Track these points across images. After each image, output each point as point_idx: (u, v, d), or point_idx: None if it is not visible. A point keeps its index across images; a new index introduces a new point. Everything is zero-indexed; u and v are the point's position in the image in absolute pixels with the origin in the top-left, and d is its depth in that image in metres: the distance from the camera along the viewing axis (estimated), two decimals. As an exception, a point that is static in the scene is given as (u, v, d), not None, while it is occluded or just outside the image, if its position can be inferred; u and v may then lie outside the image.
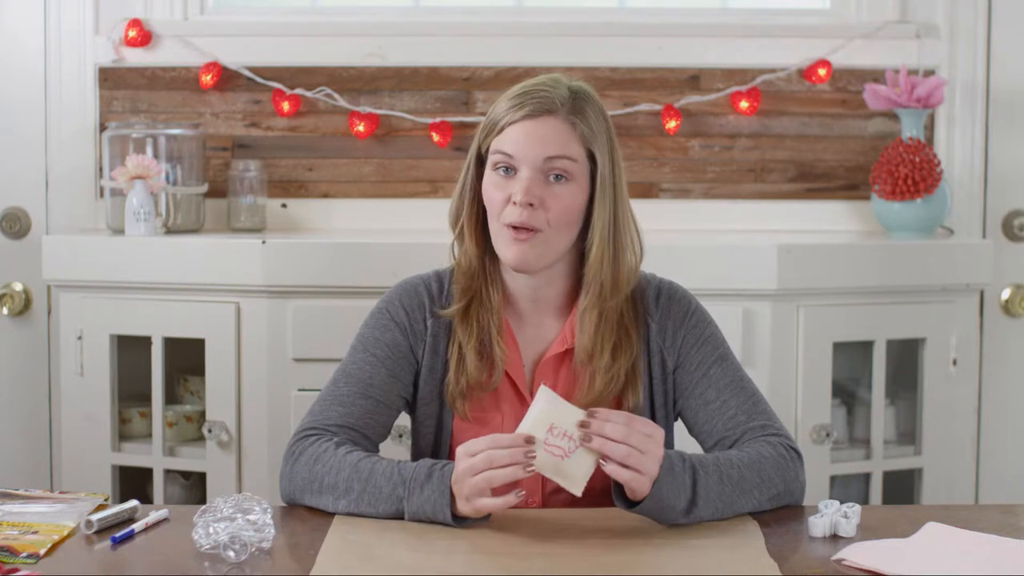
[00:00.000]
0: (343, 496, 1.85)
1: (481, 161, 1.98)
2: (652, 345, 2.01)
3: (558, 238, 1.94)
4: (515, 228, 1.92)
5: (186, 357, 3.04)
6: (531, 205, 1.90)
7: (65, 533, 1.78)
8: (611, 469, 1.76)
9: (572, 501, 1.94)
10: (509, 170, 1.93)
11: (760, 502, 1.88)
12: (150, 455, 2.99)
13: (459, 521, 1.79)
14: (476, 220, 2.00)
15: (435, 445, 2.01)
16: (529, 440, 1.74)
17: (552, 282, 2.00)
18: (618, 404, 1.98)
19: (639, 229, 2.02)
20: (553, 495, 1.97)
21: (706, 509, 1.82)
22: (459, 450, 1.78)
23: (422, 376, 2.01)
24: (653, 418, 2.01)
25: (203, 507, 1.74)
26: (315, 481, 1.89)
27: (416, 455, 2.04)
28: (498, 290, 2.00)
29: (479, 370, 1.96)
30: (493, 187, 1.94)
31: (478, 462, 1.75)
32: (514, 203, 1.91)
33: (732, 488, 1.84)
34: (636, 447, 1.75)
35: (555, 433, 1.75)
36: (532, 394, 1.97)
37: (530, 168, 1.91)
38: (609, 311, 1.97)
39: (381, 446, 2.02)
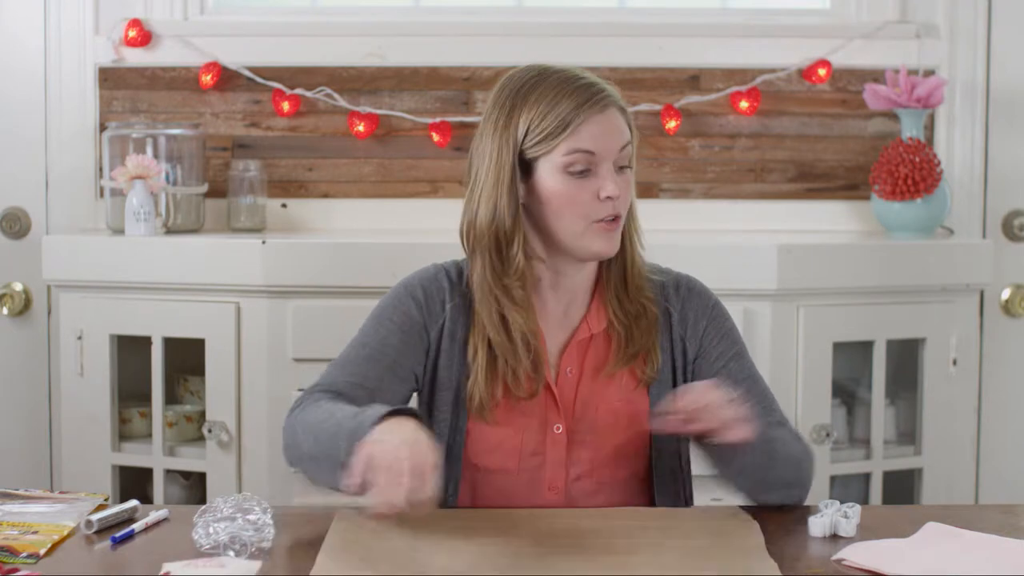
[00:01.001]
0: (314, 439, 1.85)
1: (526, 169, 1.93)
2: (674, 333, 2.02)
3: (623, 220, 1.97)
4: (608, 221, 1.92)
5: (186, 357, 3.04)
6: (619, 197, 1.92)
7: (65, 533, 1.78)
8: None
9: (593, 491, 1.95)
10: (587, 168, 1.91)
11: (786, 479, 1.93)
12: (150, 455, 2.99)
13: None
14: (526, 228, 1.96)
15: (452, 430, 1.99)
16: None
17: (590, 265, 2.00)
18: (644, 363, 1.98)
19: None
20: (576, 482, 1.97)
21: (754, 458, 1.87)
22: (400, 449, 1.70)
23: (441, 361, 1.99)
24: (674, 389, 2.01)
25: (203, 507, 1.74)
26: (298, 425, 1.89)
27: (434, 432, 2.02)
28: (530, 298, 1.98)
29: (530, 380, 1.95)
30: (574, 189, 1.90)
31: (396, 469, 1.67)
32: (608, 198, 1.90)
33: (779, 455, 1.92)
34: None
35: None
36: (558, 383, 1.97)
37: (609, 161, 1.91)
38: (639, 281, 2.00)
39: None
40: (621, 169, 1.93)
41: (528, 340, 1.94)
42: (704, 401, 1.80)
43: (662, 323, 2.01)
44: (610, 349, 1.98)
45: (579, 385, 1.98)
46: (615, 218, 1.92)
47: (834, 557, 1.70)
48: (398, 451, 1.68)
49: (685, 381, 2.02)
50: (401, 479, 1.66)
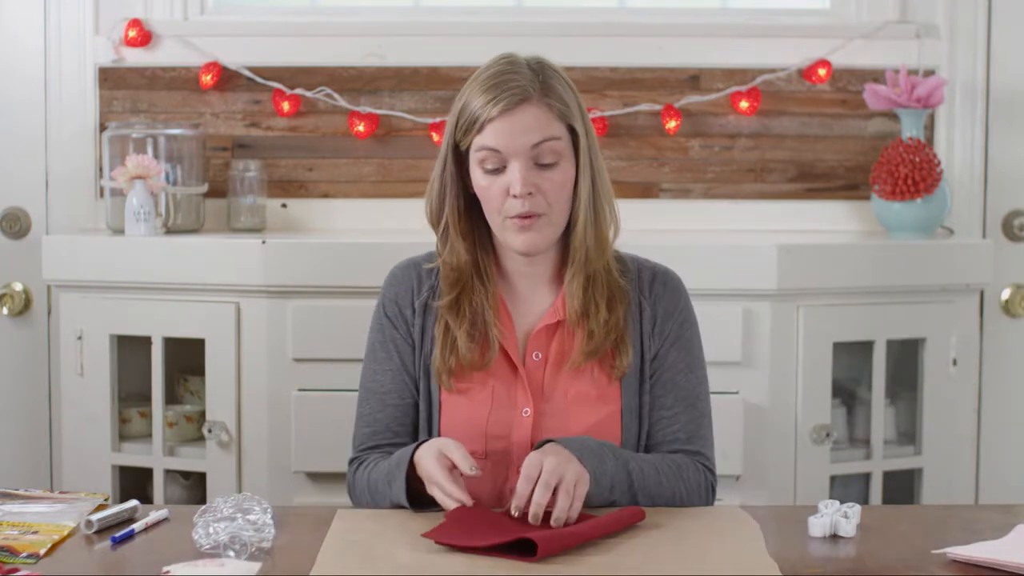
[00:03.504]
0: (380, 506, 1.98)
1: (459, 156, 2.00)
2: (644, 328, 2.04)
3: (560, 216, 1.98)
4: (520, 217, 1.95)
5: (186, 357, 3.04)
6: (530, 194, 1.94)
7: (65, 533, 1.79)
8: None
9: None
10: (499, 165, 1.95)
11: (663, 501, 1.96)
12: (150, 455, 2.99)
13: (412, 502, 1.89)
14: (460, 215, 2.03)
15: (428, 420, 2.05)
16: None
17: (547, 255, 2.03)
18: (613, 359, 2.00)
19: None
20: None
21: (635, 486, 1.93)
22: (436, 450, 1.86)
23: (415, 355, 2.06)
24: (640, 383, 2.04)
25: (203, 507, 1.74)
26: (363, 505, 2.02)
27: (419, 430, 2.08)
28: (491, 274, 2.03)
29: (471, 351, 2.00)
30: (487, 184, 1.97)
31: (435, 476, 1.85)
32: (514, 196, 1.93)
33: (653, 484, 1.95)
34: (563, 488, 1.79)
35: None
36: (526, 364, 2.00)
37: (520, 159, 1.94)
38: (596, 272, 2.01)
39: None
40: (548, 165, 1.95)
41: (465, 312, 2.00)
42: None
43: (633, 317, 2.03)
44: (575, 341, 2.00)
45: (546, 369, 2.01)
46: (531, 216, 1.95)
47: (938, 551, 1.69)
48: (426, 466, 1.85)
49: (649, 376, 2.04)
50: (440, 480, 1.83)
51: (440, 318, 2.02)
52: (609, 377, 2.01)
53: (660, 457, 1.99)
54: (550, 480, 1.77)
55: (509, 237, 1.98)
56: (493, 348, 2.00)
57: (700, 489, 2.01)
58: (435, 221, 2.04)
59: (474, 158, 1.97)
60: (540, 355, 2.01)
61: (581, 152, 1.98)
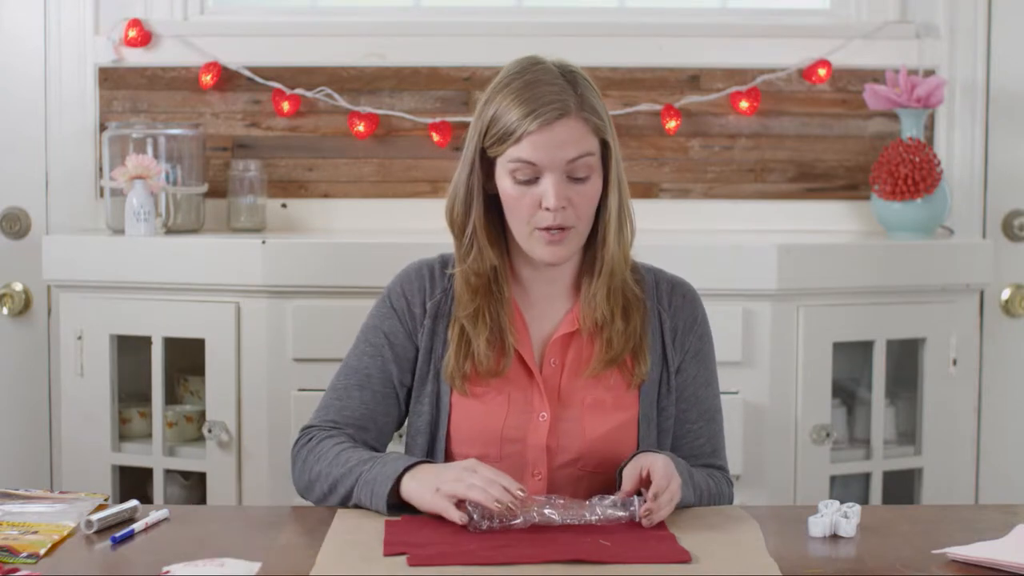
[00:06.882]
0: (332, 489, 1.93)
1: (484, 161, 1.98)
2: (665, 336, 2.04)
3: (586, 228, 1.98)
4: (550, 230, 1.94)
5: (186, 357, 3.04)
6: (562, 207, 1.92)
7: (65, 533, 1.79)
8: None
9: (577, 478, 1.96)
10: (531, 177, 1.93)
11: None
12: (150, 455, 2.99)
13: (389, 508, 1.85)
14: (489, 222, 2.00)
15: (433, 424, 2.02)
16: (524, 500, 1.79)
17: (567, 264, 2.02)
18: (632, 367, 2.00)
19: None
20: (560, 469, 1.99)
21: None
22: (468, 463, 1.83)
23: (420, 358, 2.04)
24: (659, 393, 2.03)
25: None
26: (307, 475, 1.96)
27: (412, 433, 2.06)
28: (508, 281, 2.02)
29: (489, 359, 1.98)
30: (517, 195, 1.94)
31: (477, 480, 1.78)
32: (547, 208, 1.92)
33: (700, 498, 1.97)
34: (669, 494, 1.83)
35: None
36: (543, 369, 2.00)
37: (555, 172, 1.92)
38: (616, 284, 2.00)
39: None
40: (581, 179, 1.93)
41: (486, 320, 1.98)
42: (655, 491, 1.82)
43: (653, 327, 2.02)
44: (593, 349, 2.00)
45: (563, 376, 2.00)
46: (562, 229, 1.94)
47: (938, 551, 1.69)
48: (453, 470, 1.83)
49: (670, 386, 2.04)
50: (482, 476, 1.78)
51: (455, 322, 2.01)
52: (627, 385, 2.01)
53: (700, 470, 2.01)
54: (670, 490, 1.82)
55: (535, 247, 1.96)
56: (509, 355, 1.99)
57: (727, 501, 2.04)
58: (459, 227, 2.00)
59: (505, 167, 1.94)
60: (557, 362, 2.01)
61: (612, 165, 1.97)
